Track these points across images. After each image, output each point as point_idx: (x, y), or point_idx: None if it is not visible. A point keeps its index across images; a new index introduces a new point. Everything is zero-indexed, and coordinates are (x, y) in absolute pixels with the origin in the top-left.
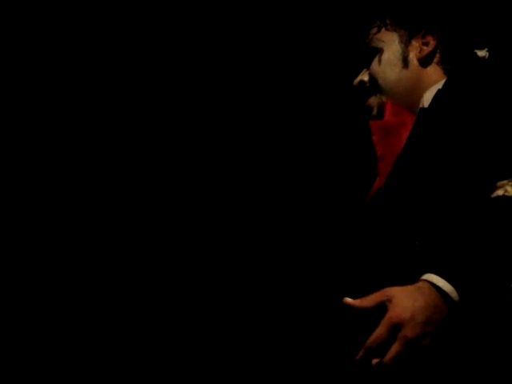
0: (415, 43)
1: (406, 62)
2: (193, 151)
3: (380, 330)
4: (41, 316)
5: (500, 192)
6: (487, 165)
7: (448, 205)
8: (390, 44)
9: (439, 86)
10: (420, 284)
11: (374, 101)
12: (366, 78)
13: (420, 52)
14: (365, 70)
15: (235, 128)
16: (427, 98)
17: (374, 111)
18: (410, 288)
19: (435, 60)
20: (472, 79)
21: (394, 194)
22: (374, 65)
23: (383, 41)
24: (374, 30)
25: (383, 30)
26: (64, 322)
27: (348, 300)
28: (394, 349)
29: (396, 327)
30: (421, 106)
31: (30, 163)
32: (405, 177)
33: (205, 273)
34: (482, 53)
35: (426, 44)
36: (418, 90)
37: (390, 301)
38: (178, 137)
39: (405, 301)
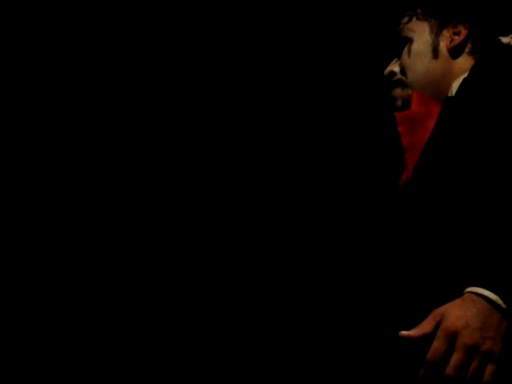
0: (446, 33)
1: (435, 52)
2: (196, 151)
3: (437, 343)
4: (41, 316)
5: None
6: None
7: (476, 197)
8: (421, 34)
9: (466, 74)
10: (466, 296)
11: (399, 93)
12: (396, 68)
13: (451, 42)
14: (395, 59)
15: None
16: (455, 88)
17: (399, 103)
18: (457, 300)
19: (466, 50)
20: (497, 66)
21: (422, 186)
22: (405, 56)
23: (414, 30)
24: (405, 19)
25: (414, 19)
26: (64, 322)
27: (404, 333)
28: (455, 358)
29: (452, 337)
30: (449, 95)
31: (30, 163)
32: (432, 168)
33: (209, 273)
34: (506, 39)
35: (457, 34)
36: (447, 80)
37: (442, 316)
38: (178, 137)
39: (456, 311)
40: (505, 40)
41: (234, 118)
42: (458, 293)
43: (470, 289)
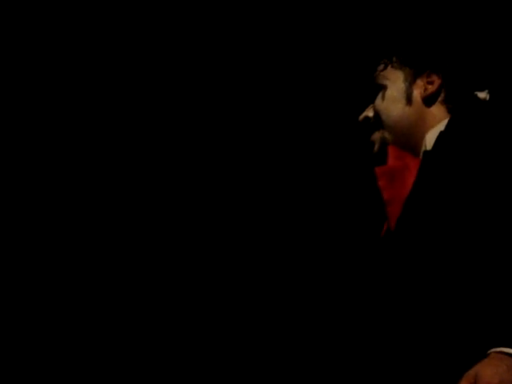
0: (420, 82)
1: (409, 99)
2: (196, 151)
3: None
4: (41, 316)
5: None
6: (497, 209)
7: (462, 250)
8: (395, 81)
9: (441, 127)
10: (492, 355)
11: (376, 136)
12: (370, 113)
13: (424, 91)
14: (370, 106)
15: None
16: (430, 139)
17: (376, 147)
18: (485, 361)
19: (439, 99)
20: (473, 121)
21: (406, 238)
22: (378, 101)
23: (388, 78)
24: (381, 67)
25: (389, 67)
26: (64, 322)
27: None
28: None
29: None
30: (423, 147)
31: (30, 163)
32: (415, 220)
33: (209, 273)
34: (482, 94)
35: (431, 83)
36: (420, 127)
37: (476, 377)
38: (178, 137)
39: (488, 370)
40: (481, 95)
41: (234, 118)
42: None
43: (494, 349)
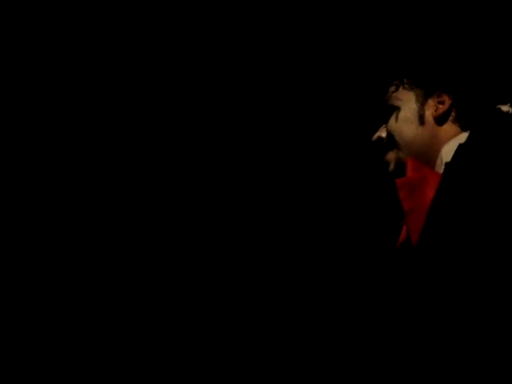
0: (431, 102)
1: (422, 119)
2: (196, 151)
3: None
4: (41, 316)
5: None
6: None
7: (487, 262)
8: (407, 102)
9: (459, 140)
10: None
11: (391, 156)
12: (383, 134)
13: (436, 110)
14: (383, 126)
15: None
16: (446, 152)
17: (391, 167)
18: None
19: (451, 118)
20: (496, 133)
21: (431, 250)
22: (392, 122)
23: (401, 99)
24: (393, 88)
25: (401, 88)
26: (64, 322)
27: None
28: None
29: None
30: (439, 161)
31: (30, 163)
32: (440, 232)
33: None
34: (505, 108)
35: (442, 103)
36: (434, 146)
37: None
38: (178, 137)
39: None
40: (504, 108)
41: (234, 118)
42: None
43: None
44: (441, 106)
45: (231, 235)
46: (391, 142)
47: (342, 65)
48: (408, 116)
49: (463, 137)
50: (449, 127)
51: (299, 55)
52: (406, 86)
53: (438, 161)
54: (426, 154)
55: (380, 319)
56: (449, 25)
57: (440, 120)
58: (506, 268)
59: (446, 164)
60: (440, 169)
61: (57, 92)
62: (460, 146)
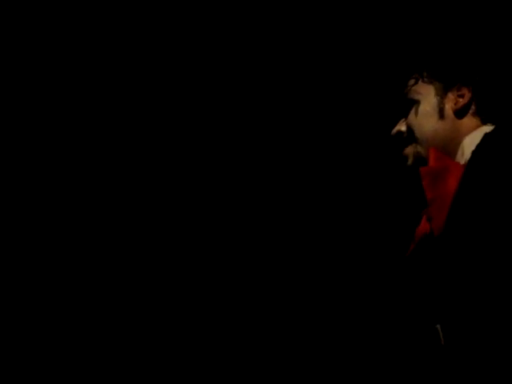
0: (451, 95)
1: (441, 113)
2: (196, 151)
3: None
4: (41, 316)
5: None
6: None
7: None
8: (427, 96)
9: (480, 132)
10: None
11: (409, 150)
12: (403, 128)
13: (455, 104)
14: (402, 120)
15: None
16: (468, 144)
17: (410, 161)
18: None
19: (471, 111)
20: None
21: (454, 241)
22: (411, 116)
23: (420, 93)
24: (412, 81)
25: (420, 82)
26: (64, 322)
27: None
28: None
29: None
30: (460, 152)
31: (30, 163)
32: (466, 222)
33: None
34: None
35: (462, 96)
36: (454, 139)
37: None
38: (178, 137)
39: None
40: None
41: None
42: None
43: None
44: (460, 100)
45: (237, 235)
46: (411, 136)
47: (361, 59)
48: (428, 110)
49: (484, 129)
50: (469, 120)
51: (311, 49)
52: (425, 79)
53: (459, 153)
54: (446, 148)
55: (397, 309)
56: (468, 17)
57: (460, 113)
58: None
59: (473, 152)
60: (461, 161)
61: (57, 92)
62: (485, 135)
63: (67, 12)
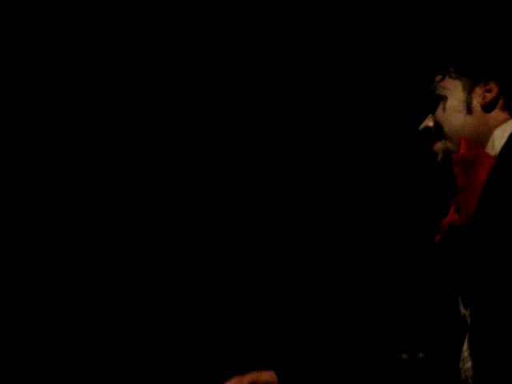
0: (478, 90)
1: (469, 108)
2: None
3: None
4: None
5: None
6: None
7: None
8: (454, 91)
9: (510, 124)
10: None
11: (439, 147)
12: (430, 123)
13: (483, 99)
14: (430, 115)
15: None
16: (498, 136)
17: (440, 157)
18: None
19: (499, 105)
20: None
21: (484, 230)
22: (439, 112)
23: (447, 88)
24: (439, 77)
25: (447, 77)
26: (64, 322)
27: None
28: None
29: None
30: (490, 144)
31: (30, 163)
32: (494, 214)
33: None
34: None
35: (489, 91)
36: (483, 133)
37: None
38: (178, 137)
39: None
40: None
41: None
42: None
43: None
44: (488, 94)
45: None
46: (439, 132)
47: (389, 54)
48: (455, 105)
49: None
50: (497, 114)
51: (334, 42)
52: (452, 74)
53: (489, 145)
54: (475, 142)
55: (421, 298)
56: (493, 12)
57: (488, 108)
58: None
59: (504, 145)
60: (491, 152)
61: (57, 92)
62: None
63: (67, 12)
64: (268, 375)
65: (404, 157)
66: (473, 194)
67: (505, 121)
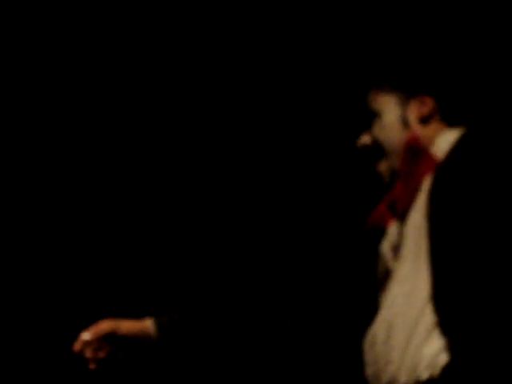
0: (413, 104)
1: (406, 123)
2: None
3: None
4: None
5: None
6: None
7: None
8: (389, 106)
9: (450, 133)
10: None
11: (383, 168)
12: (368, 140)
13: (419, 112)
14: (367, 132)
15: None
16: (442, 141)
17: (386, 178)
18: None
19: (436, 118)
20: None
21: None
22: (376, 129)
23: (382, 103)
24: (373, 92)
25: (381, 92)
26: (63, 322)
27: None
28: None
29: None
30: (434, 148)
31: (30, 163)
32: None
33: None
34: None
35: (424, 104)
36: (423, 146)
37: None
38: (178, 137)
39: None
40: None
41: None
42: None
43: None
44: (424, 108)
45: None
46: (379, 150)
47: (321, 68)
48: (392, 121)
49: (455, 131)
50: (435, 126)
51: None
52: (386, 89)
53: (433, 151)
54: None
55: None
56: (425, 27)
57: (425, 120)
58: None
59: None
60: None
61: (57, 92)
62: (464, 136)
63: (67, 12)
64: (132, 324)
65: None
66: (411, 185)
67: (443, 131)
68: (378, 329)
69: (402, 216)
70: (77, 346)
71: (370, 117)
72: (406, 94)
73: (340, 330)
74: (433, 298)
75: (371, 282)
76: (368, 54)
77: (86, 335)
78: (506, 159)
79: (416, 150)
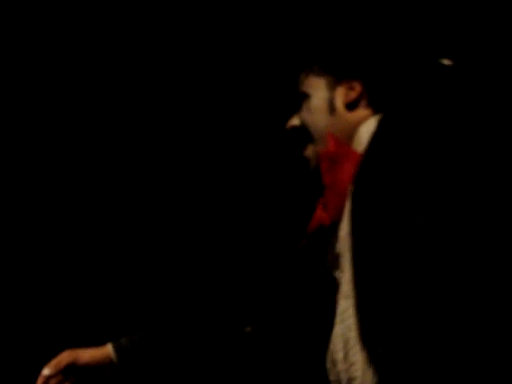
0: (341, 88)
1: (332, 107)
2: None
3: None
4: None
5: None
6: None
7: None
8: (318, 89)
9: (374, 121)
10: None
11: (310, 152)
12: (296, 122)
13: (346, 97)
14: (296, 114)
15: None
16: (363, 133)
17: (313, 163)
18: None
19: (363, 103)
20: (408, 119)
21: (359, 225)
22: (304, 112)
23: (311, 86)
24: (303, 75)
25: (311, 75)
26: (63, 322)
27: None
28: None
29: None
30: (356, 141)
31: (30, 163)
32: (362, 213)
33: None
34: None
35: (352, 89)
36: (348, 132)
37: None
38: (178, 137)
39: None
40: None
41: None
42: None
43: None
44: (351, 93)
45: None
46: (306, 134)
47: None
48: (319, 105)
49: (378, 118)
50: (361, 112)
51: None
52: (316, 72)
53: (356, 142)
54: (342, 141)
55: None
56: (357, 10)
57: (351, 106)
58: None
59: (370, 141)
60: (358, 149)
61: (56, 92)
62: (381, 123)
63: (67, 12)
64: (92, 353)
65: (271, 157)
66: (339, 191)
67: (369, 118)
68: (336, 346)
69: (336, 223)
70: (39, 382)
71: (300, 99)
72: (336, 77)
73: (298, 337)
74: (357, 313)
75: (321, 291)
76: (301, 36)
77: (46, 370)
78: (420, 146)
79: (333, 159)
